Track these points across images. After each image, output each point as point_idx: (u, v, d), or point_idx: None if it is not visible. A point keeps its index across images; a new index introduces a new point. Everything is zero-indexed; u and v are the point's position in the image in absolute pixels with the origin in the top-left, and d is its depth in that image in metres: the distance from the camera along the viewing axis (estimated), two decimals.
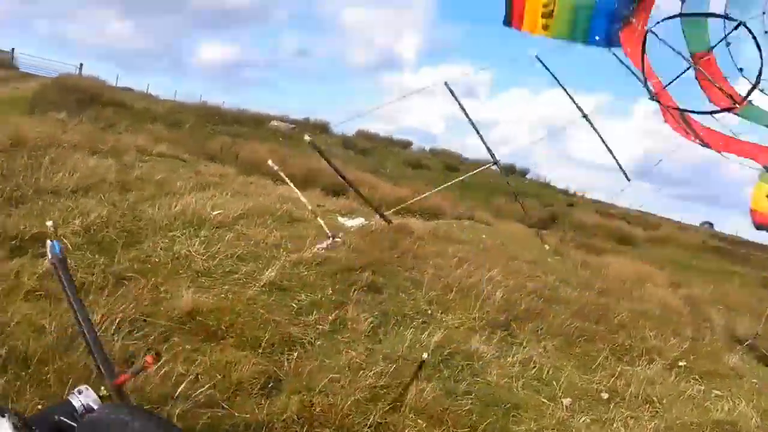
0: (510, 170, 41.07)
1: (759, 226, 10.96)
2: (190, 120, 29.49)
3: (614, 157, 9.67)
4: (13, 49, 39.44)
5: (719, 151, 9.53)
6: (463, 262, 9.53)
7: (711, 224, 46.57)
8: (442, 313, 7.71)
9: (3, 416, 1.92)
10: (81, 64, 41.08)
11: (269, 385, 5.19)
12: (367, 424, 4.91)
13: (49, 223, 2.26)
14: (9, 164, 9.42)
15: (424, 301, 7.86)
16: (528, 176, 42.13)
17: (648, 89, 8.97)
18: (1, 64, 33.78)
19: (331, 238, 8.96)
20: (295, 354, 5.84)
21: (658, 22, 9.20)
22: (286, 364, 5.62)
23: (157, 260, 7.21)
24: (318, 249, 8.52)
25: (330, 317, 6.77)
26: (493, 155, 11.78)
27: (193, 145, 21.93)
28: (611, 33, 9.93)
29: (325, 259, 8.23)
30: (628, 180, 9.47)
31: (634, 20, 9.77)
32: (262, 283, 7.12)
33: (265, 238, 8.62)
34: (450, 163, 38.13)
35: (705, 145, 9.31)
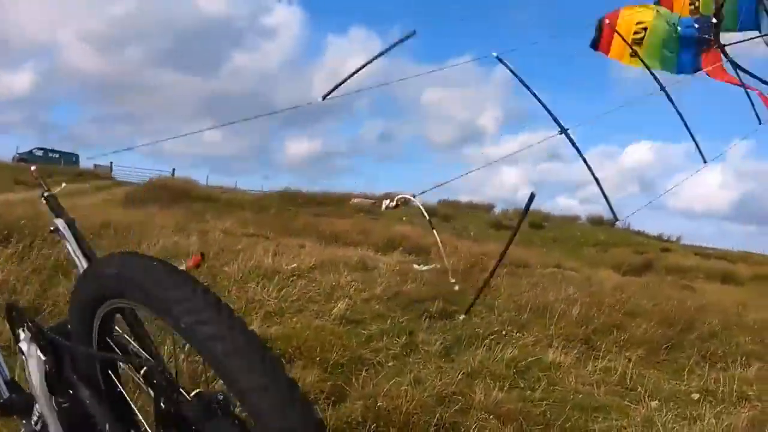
0: (598, 221, 40.12)
1: None
2: (275, 205, 30.57)
3: (690, 134, 9.32)
4: (111, 162, 42.50)
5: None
6: (537, 287, 9.36)
7: None
8: (516, 332, 7.56)
9: (21, 324, 2.10)
10: (174, 169, 43.71)
11: (335, 395, 5.22)
12: (432, 423, 4.84)
13: (33, 167, 2.64)
14: (97, 241, 10.09)
15: (497, 322, 7.75)
16: (617, 225, 40.87)
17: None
18: (100, 177, 36.34)
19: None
20: (364, 372, 5.86)
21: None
22: (354, 381, 5.65)
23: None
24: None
25: (401, 341, 6.78)
26: (559, 124, 11.37)
27: (277, 226, 22.70)
28: (696, 59, 9.89)
29: (396, 293, 8.30)
30: (705, 162, 9.11)
31: (713, 44, 9.74)
32: (332, 317, 7.24)
33: (337, 282, 8.78)
34: (534, 221, 37.53)
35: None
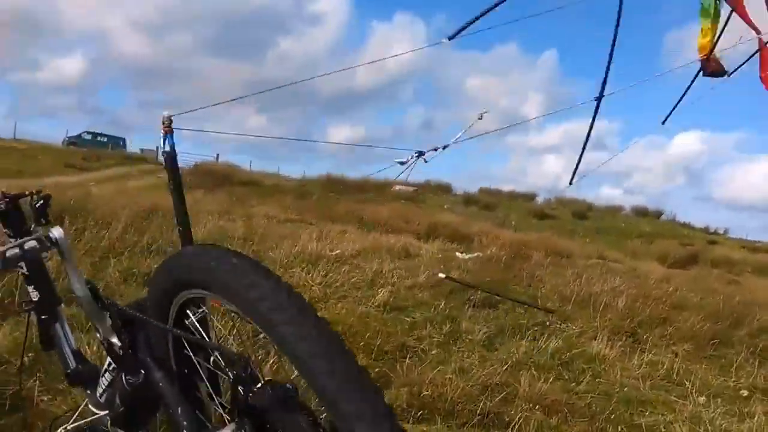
0: (643, 212, 39.50)
1: None
2: (317, 192, 30.79)
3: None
4: (157, 147, 43.24)
5: None
6: (581, 278, 9.26)
7: None
8: (561, 323, 7.51)
9: (96, 300, 2.17)
10: (218, 155, 44.31)
11: (379, 382, 5.26)
12: (476, 412, 4.85)
13: (165, 113, 2.43)
14: (147, 224, 10.31)
15: (541, 313, 7.70)
16: (663, 217, 40.19)
17: None
18: (146, 161, 37.00)
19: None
20: (408, 359, 5.89)
21: None
22: (398, 368, 5.69)
23: None
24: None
25: (445, 329, 6.79)
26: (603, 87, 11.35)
27: (319, 212, 22.85)
28: None
29: (439, 282, 8.30)
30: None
31: None
32: (376, 304, 7.30)
33: (380, 269, 8.82)
34: (578, 210, 37.14)
35: None
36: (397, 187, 36.11)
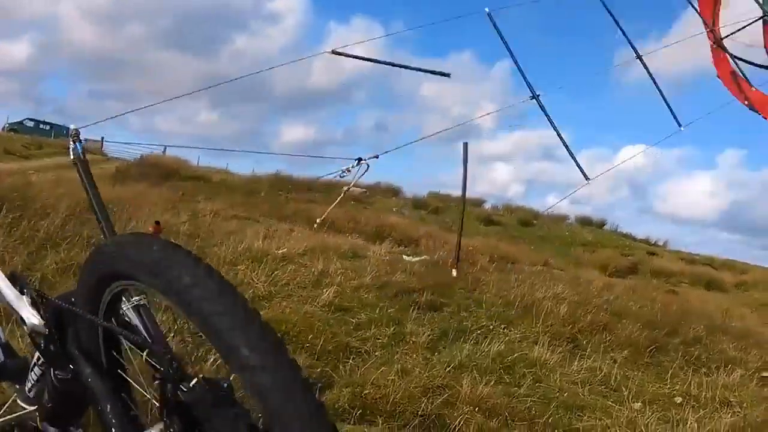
0: (587, 222, 40.30)
1: None
2: (265, 189, 30.47)
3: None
4: (102, 137, 42.20)
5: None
6: (526, 283, 9.39)
7: None
8: (504, 327, 7.59)
9: (23, 292, 2.08)
10: (165, 147, 43.33)
11: (322, 381, 5.22)
12: (418, 414, 4.86)
13: (72, 126, 2.56)
14: (89, 216, 10.02)
15: (485, 317, 7.77)
16: (606, 227, 41.06)
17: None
18: (91, 152, 36.01)
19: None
20: (351, 360, 5.86)
21: None
22: (341, 368, 5.66)
23: None
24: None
25: (389, 331, 6.79)
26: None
27: (268, 210, 22.61)
28: None
29: (386, 283, 8.30)
30: (680, 126, 9.02)
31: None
32: (321, 303, 7.24)
33: (326, 268, 8.76)
34: (524, 218, 37.64)
35: (753, 108, 9.03)
36: (347, 188, 35.99)
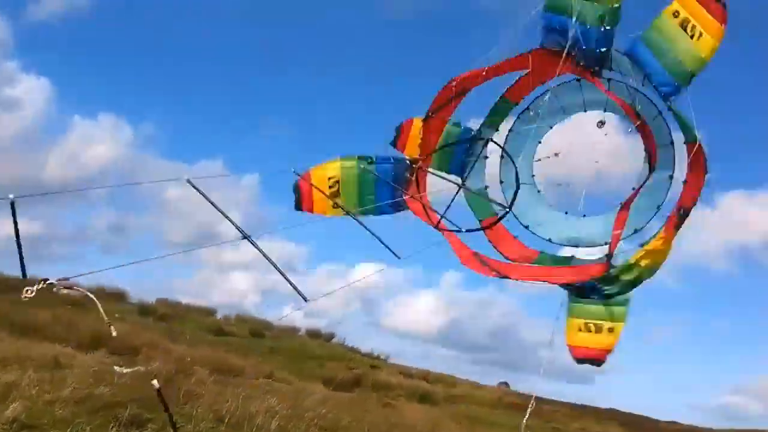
0: (316, 335, 41.27)
1: (580, 360, 11.50)
2: None
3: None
4: None
5: (517, 279, 10.41)
6: (241, 396, 9.22)
7: (507, 383, 49.31)
8: None
9: None
10: None
11: None
12: None
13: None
14: None
15: None
16: (334, 341, 42.30)
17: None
18: None
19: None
20: None
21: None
22: None
23: None
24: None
25: None
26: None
27: None
28: (397, 199, 10.69)
29: (87, 396, 7.64)
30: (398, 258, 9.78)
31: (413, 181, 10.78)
32: (4, 420, 6.41)
33: (18, 380, 7.85)
34: (255, 329, 37.47)
35: (504, 276, 10.11)
36: (64, 291, 33.01)
